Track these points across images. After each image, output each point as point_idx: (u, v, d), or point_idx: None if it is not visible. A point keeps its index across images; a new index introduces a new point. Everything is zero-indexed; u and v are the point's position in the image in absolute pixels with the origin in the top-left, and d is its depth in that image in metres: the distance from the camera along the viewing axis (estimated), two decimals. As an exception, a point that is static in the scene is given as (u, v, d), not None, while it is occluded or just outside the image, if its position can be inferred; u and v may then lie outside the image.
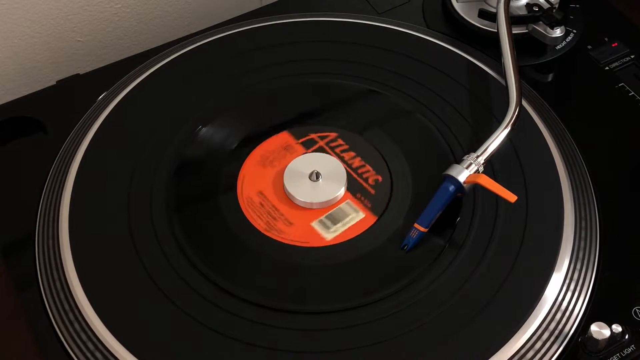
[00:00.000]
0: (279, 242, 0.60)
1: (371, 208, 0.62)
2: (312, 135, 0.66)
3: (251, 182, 0.64)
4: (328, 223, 0.61)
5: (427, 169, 0.63)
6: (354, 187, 0.63)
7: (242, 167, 0.65)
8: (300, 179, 0.63)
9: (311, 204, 0.62)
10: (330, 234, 0.60)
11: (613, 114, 0.69)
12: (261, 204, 0.62)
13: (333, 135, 0.66)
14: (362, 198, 0.63)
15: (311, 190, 0.62)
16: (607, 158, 0.65)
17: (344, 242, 0.60)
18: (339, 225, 0.61)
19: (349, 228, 0.61)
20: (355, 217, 0.61)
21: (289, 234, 0.60)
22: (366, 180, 0.64)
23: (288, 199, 0.62)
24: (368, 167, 0.64)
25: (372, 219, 0.61)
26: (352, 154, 0.65)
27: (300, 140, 0.66)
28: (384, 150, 0.65)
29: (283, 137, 0.66)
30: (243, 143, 0.66)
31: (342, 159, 0.65)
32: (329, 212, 0.62)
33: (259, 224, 0.61)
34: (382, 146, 0.66)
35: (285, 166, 0.64)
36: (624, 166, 0.65)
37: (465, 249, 0.58)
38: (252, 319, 0.55)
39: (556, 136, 0.65)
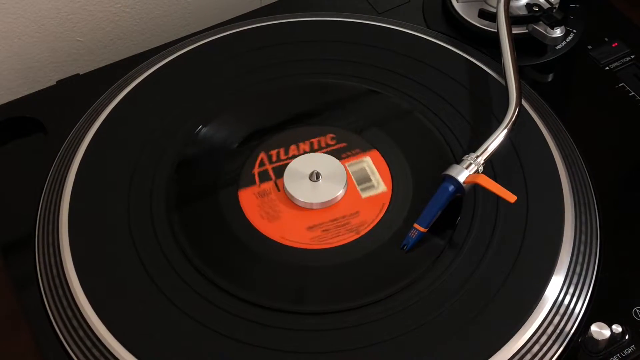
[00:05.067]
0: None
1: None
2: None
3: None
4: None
5: (427, 169, 0.63)
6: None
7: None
8: (300, 179, 0.63)
9: (311, 204, 0.62)
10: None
11: (613, 114, 0.69)
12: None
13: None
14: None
15: (311, 190, 0.62)
16: (607, 158, 0.65)
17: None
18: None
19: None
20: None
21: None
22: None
23: (288, 199, 0.62)
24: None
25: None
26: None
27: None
28: (384, 150, 0.65)
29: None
30: (243, 143, 0.66)
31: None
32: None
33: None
34: (382, 146, 0.66)
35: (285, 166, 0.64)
36: (624, 166, 0.65)
37: (465, 249, 0.58)
38: (252, 319, 0.55)
39: (556, 136, 0.65)
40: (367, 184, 0.64)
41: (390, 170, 0.64)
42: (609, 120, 0.68)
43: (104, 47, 0.86)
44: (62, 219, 0.61)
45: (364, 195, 0.63)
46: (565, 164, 0.63)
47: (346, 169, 0.64)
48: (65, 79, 0.73)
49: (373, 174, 0.64)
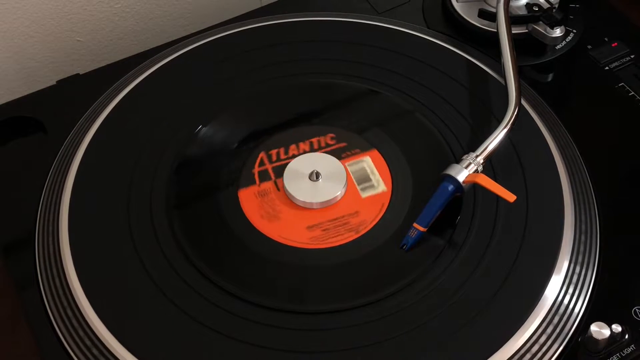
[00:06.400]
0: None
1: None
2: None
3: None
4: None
5: (427, 169, 0.63)
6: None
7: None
8: (300, 179, 0.63)
9: (311, 204, 0.62)
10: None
11: (613, 114, 0.69)
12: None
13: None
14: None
15: (311, 190, 0.62)
16: (607, 158, 0.65)
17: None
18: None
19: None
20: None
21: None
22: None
23: (288, 198, 0.62)
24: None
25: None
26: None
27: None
28: (384, 150, 0.66)
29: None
30: (243, 143, 0.66)
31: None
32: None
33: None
34: (382, 146, 0.66)
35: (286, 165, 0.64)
36: (624, 166, 0.65)
37: (465, 249, 0.58)
38: (252, 319, 0.55)
39: (556, 136, 0.65)
40: (367, 184, 0.64)
41: (390, 170, 0.64)
42: (609, 120, 0.68)
43: (104, 47, 0.86)
44: (62, 219, 0.61)
45: (364, 195, 0.63)
46: (565, 164, 0.63)
47: (346, 169, 0.64)
48: (65, 79, 0.73)
49: (373, 173, 0.64)
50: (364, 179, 0.64)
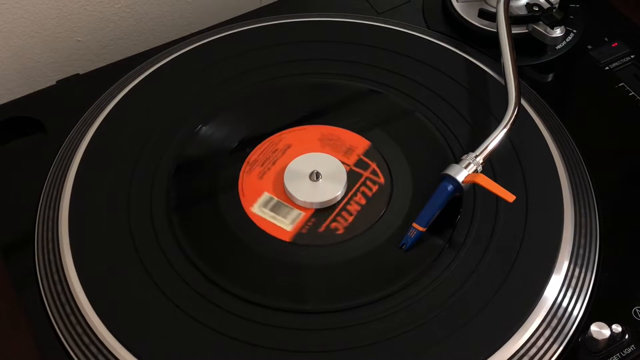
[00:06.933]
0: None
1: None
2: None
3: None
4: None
5: (427, 169, 0.63)
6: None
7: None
8: (301, 179, 0.63)
9: (311, 203, 0.62)
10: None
11: (613, 114, 0.69)
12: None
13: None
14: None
15: (311, 190, 0.62)
16: (607, 158, 0.65)
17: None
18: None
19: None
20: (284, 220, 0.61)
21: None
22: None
23: (288, 198, 0.62)
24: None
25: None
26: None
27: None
28: (384, 150, 0.65)
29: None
30: (243, 142, 0.66)
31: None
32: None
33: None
34: (382, 146, 0.66)
35: (286, 165, 0.64)
36: (624, 166, 0.65)
37: (465, 249, 0.58)
38: (252, 319, 0.55)
39: (556, 136, 0.65)
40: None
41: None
42: (609, 120, 0.68)
43: (104, 47, 0.86)
44: (62, 219, 0.61)
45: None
46: (565, 164, 0.63)
47: (346, 169, 0.64)
48: (65, 79, 0.73)
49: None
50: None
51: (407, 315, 0.55)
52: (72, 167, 0.64)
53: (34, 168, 0.66)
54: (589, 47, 0.74)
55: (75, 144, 0.66)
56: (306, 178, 0.63)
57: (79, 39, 0.84)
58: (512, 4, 0.72)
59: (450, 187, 0.59)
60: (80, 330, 0.55)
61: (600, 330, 0.53)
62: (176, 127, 0.67)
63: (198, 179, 0.64)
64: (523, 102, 0.66)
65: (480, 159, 0.60)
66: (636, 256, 0.60)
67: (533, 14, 0.72)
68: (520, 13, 0.73)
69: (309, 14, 0.76)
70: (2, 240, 0.62)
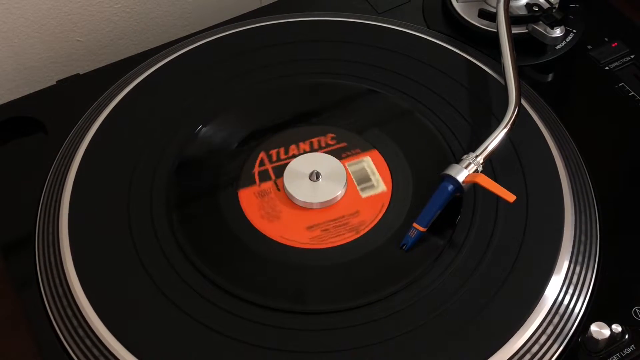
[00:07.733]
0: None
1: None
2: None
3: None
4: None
5: (427, 169, 0.63)
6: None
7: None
8: (300, 179, 0.63)
9: (311, 204, 0.62)
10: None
11: (613, 114, 0.69)
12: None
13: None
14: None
15: (311, 190, 0.62)
16: (607, 158, 0.65)
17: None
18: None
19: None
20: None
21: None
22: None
23: (288, 198, 0.62)
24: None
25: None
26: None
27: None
28: (384, 150, 0.66)
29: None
30: (243, 143, 0.66)
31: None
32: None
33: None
34: (382, 146, 0.66)
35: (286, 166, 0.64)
36: (624, 166, 0.65)
37: (465, 249, 0.58)
38: (252, 319, 0.55)
39: (556, 136, 0.65)
40: (367, 184, 0.64)
41: (390, 170, 0.64)
42: (609, 120, 0.68)
43: (104, 47, 0.86)
44: (62, 219, 0.61)
45: (364, 195, 0.63)
46: (565, 164, 0.63)
47: (346, 169, 0.64)
48: (65, 79, 0.73)
49: (373, 173, 0.64)
50: (364, 179, 0.64)
51: (407, 315, 0.55)
52: (72, 167, 0.64)
53: (34, 168, 0.66)
54: (589, 47, 0.74)
55: (75, 144, 0.66)
56: (306, 178, 0.63)
57: (78, 39, 0.84)
58: (512, 4, 0.72)
59: (450, 187, 0.59)
60: (80, 331, 0.55)
61: (600, 330, 0.53)
62: (176, 127, 0.67)
63: (198, 179, 0.64)
64: (523, 102, 0.66)
65: (480, 159, 0.60)
66: (636, 256, 0.60)
67: (533, 14, 0.72)
68: (520, 13, 0.73)
69: (309, 14, 0.76)
70: (3, 241, 0.62)
